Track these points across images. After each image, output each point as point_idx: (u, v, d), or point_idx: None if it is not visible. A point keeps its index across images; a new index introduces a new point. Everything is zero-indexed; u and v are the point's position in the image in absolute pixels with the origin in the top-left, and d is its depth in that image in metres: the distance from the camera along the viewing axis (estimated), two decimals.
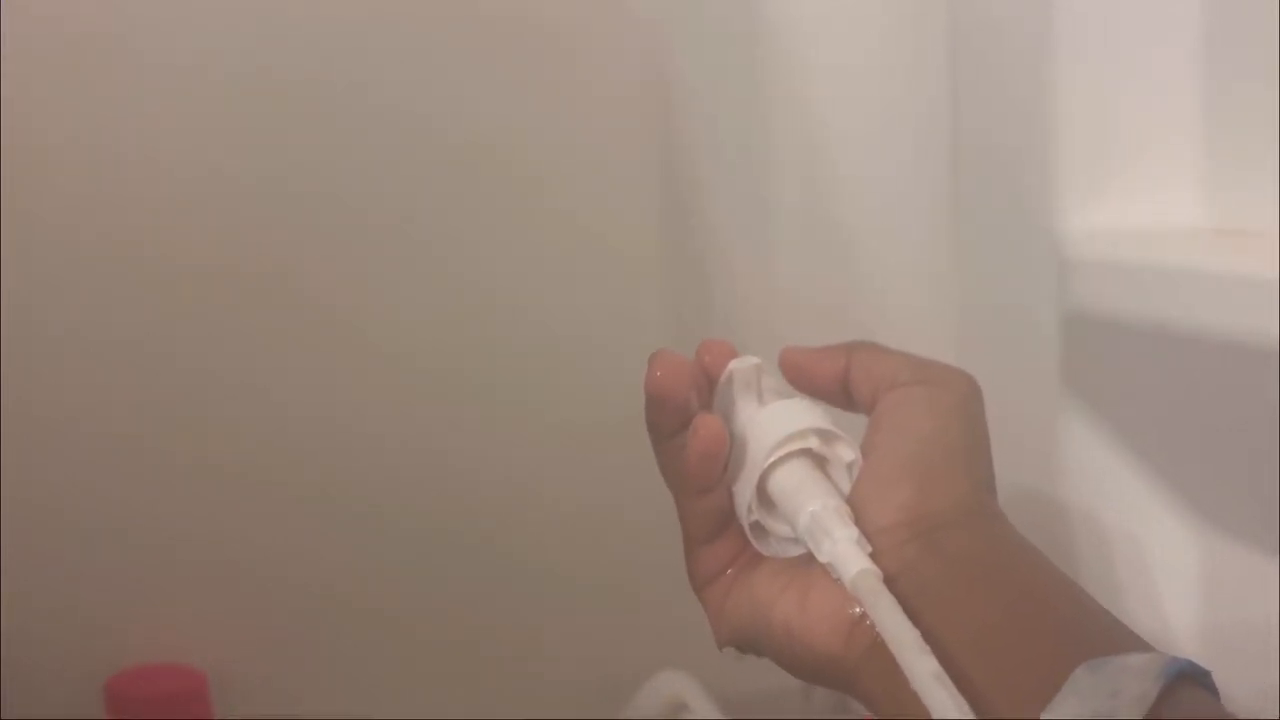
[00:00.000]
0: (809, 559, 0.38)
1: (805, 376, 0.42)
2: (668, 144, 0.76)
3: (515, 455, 0.77)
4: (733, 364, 0.40)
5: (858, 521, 0.37)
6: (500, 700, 0.78)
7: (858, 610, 0.35)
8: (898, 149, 0.72)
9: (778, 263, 0.76)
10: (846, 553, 0.36)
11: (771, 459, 0.38)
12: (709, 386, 0.41)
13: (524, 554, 0.78)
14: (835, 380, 0.41)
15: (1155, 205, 0.57)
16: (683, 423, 0.40)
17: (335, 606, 0.76)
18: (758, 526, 0.39)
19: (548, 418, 0.77)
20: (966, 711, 0.30)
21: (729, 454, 0.39)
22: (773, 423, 0.39)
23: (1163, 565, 0.56)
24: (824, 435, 0.39)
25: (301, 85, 0.71)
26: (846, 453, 0.39)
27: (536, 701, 0.78)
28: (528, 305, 0.76)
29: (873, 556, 0.36)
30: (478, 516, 0.77)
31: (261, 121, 0.71)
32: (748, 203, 0.76)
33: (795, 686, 0.80)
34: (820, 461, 0.39)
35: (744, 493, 0.39)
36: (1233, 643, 0.54)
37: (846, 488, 0.39)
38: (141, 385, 0.72)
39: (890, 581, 0.35)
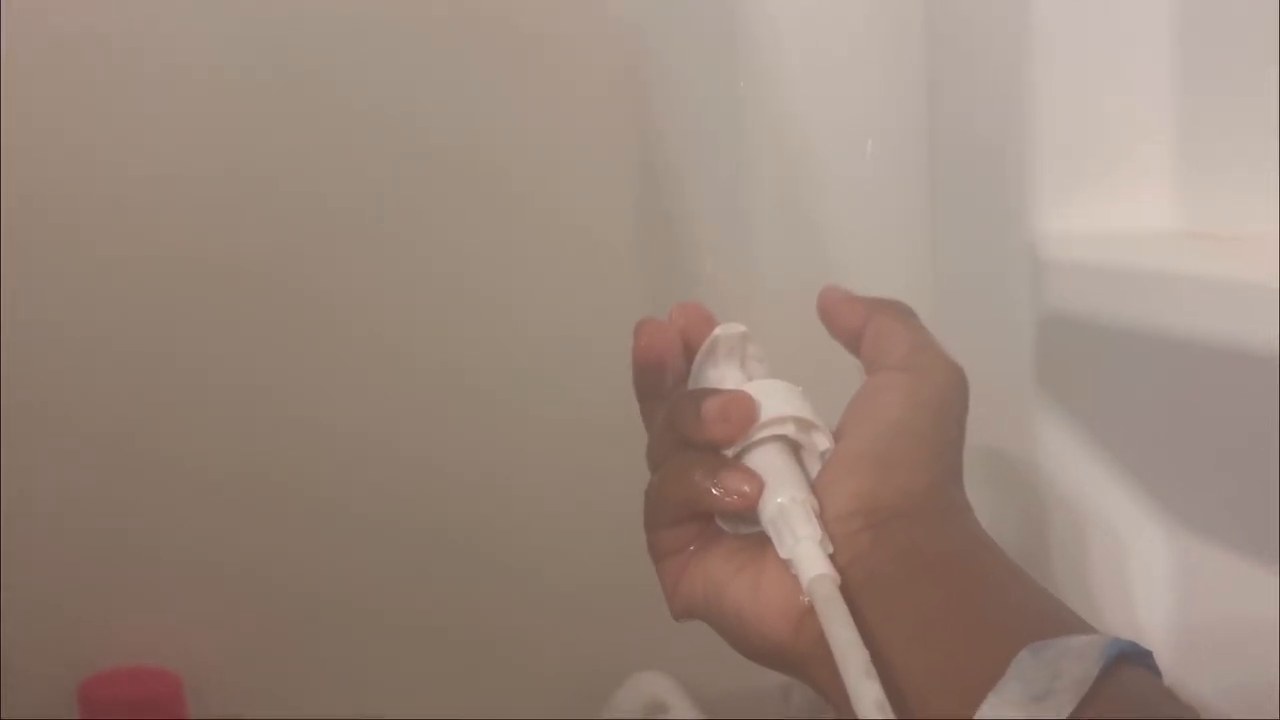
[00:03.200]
0: (765, 540, 0.38)
1: (830, 320, 0.42)
2: (647, 141, 0.76)
3: (495, 455, 0.77)
4: (719, 330, 0.41)
5: (819, 506, 0.37)
6: (480, 700, 0.78)
7: (808, 600, 0.36)
8: (874, 150, 0.72)
9: (755, 262, 0.76)
10: (807, 553, 0.36)
11: (747, 441, 0.38)
12: (686, 350, 0.41)
13: (504, 554, 0.77)
14: (851, 335, 0.41)
15: (1130, 208, 0.57)
16: (670, 388, 0.40)
17: (311, 609, 0.76)
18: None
19: (530, 417, 0.77)
20: None
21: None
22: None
23: (1138, 565, 0.57)
24: (802, 423, 0.39)
25: (289, 86, 0.70)
26: (822, 441, 0.39)
27: (517, 701, 0.78)
28: (510, 305, 0.76)
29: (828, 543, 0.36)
30: (458, 517, 0.77)
31: (251, 121, 0.71)
32: (726, 202, 0.76)
33: (774, 687, 0.80)
34: (795, 447, 0.39)
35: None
36: (1207, 643, 0.55)
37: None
38: (124, 389, 0.71)
39: (842, 570, 0.35)
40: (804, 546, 0.36)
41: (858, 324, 0.41)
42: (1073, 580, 0.59)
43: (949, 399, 0.39)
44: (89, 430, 0.71)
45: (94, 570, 0.72)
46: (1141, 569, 0.56)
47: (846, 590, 0.35)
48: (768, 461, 0.38)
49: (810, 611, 0.35)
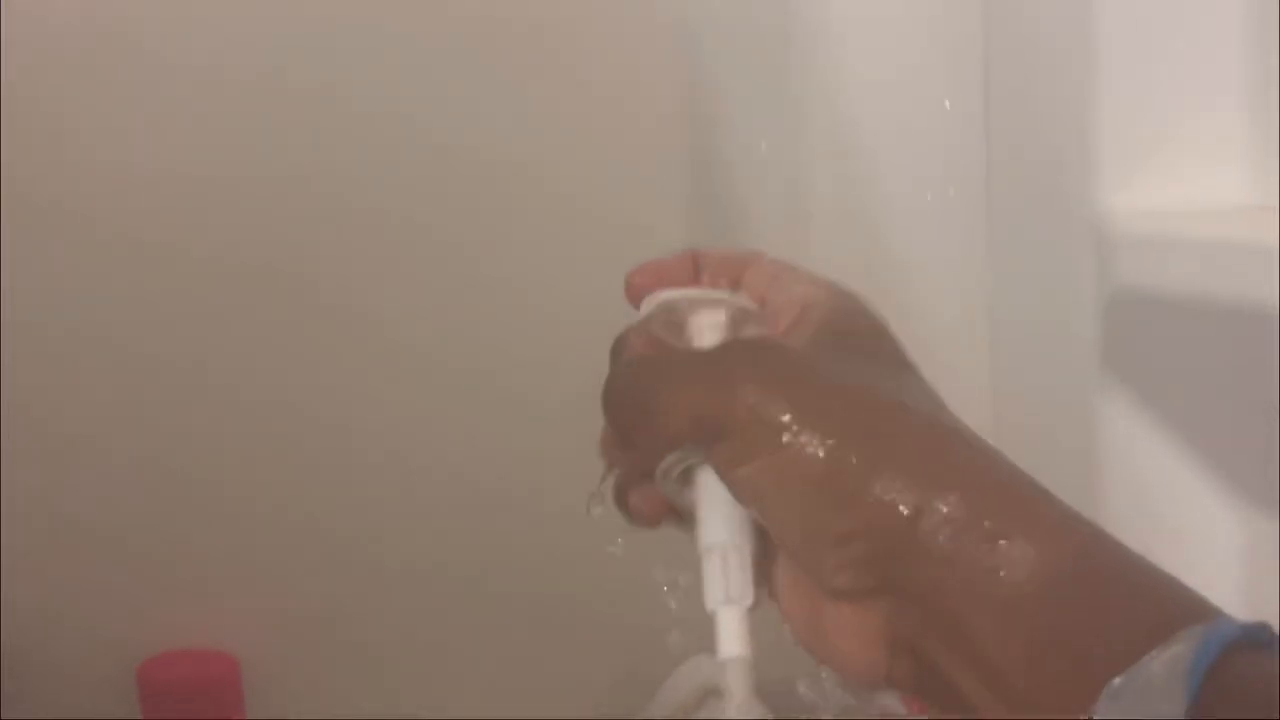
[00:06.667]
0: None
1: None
2: (699, 142, 0.75)
3: (533, 448, 0.76)
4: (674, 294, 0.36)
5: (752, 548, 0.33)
6: (532, 688, 0.78)
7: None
8: (932, 128, 0.72)
9: (810, 244, 0.75)
10: (726, 625, 0.33)
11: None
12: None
13: (550, 546, 0.77)
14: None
15: (1196, 183, 0.56)
16: None
17: (363, 599, 0.76)
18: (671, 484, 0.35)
19: (569, 410, 0.77)
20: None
21: None
22: None
23: (1206, 547, 0.56)
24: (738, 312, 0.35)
25: (312, 92, 0.70)
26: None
27: (572, 686, 0.78)
28: (545, 307, 0.75)
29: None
30: (501, 509, 0.77)
31: (272, 126, 0.71)
32: (779, 185, 0.75)
33: (820, 673, 0.79)
34: None
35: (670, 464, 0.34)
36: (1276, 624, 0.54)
37: None
38: (175, 379, 0.72)
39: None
40: (725, 615, 0.32)
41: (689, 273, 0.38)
42: None
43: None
44: (145, 422, 0.72)
45: (152, 558, 0.73)
46: (1210, 551, 0.55)
47: None
48: (715, 489, 0.33)
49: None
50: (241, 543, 0.74)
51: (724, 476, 0.32)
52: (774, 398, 0.31)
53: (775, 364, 0.32)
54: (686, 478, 0.34)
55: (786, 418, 0.31)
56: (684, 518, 0.35)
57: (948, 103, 0.69)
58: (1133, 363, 0.57)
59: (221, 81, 0.70)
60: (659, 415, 0.33)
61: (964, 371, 0.69)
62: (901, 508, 0.30)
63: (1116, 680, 0.27)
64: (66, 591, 0.72)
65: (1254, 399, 0.52)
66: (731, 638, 0.32)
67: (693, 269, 0.38)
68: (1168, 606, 0.30)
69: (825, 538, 0.31)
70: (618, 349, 0.37)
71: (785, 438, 0.31)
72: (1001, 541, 0.30)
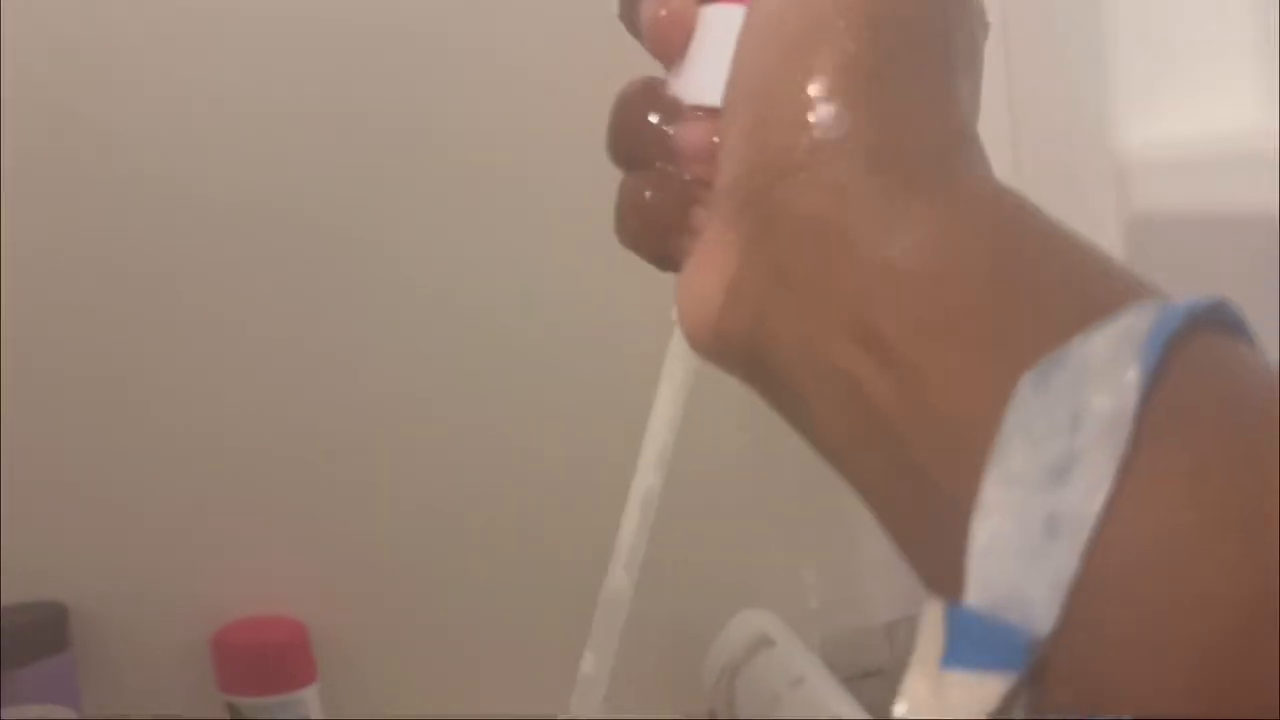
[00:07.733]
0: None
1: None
2: None
3: (579, 423, 0.77)
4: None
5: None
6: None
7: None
8: None
9: None
10: None
11: None
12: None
13: (601, 509, 0.78)
14: None
15: (1214, 112, 0.56)
16: None
17: (427, 564, 0.78)
18: None
19: (606, 380, 0.78)
20: None
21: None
22: None
23: None
24: None
25: (311, 111, 0.72)
26: None
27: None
28: (561, 291, 0.77)
29: (717, 228, 0.27)
30: (570, 477, 0.77)
31: (272, 142, 0.72)
32: None
33: (879, 627, 0.80)
34: None
35: None
36: None
37: None
38: (241, 347, 0.74)
39: (738, 281, 0.26)
40: None
41: None
42: None
43: None
44: (215, 394, 0.74)
45: (225, 528, 0.75)
46: None
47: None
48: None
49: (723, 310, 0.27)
50: (307, 510, 0.76)
51: None
52: None
53: None
54: None
55: None
56: None
57: None
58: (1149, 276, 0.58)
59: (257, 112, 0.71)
60: None
61: None
62: (786, 120, 0.25)
63: (1044, 361, 0.21)
64: (147, 566, 0.74)
65: (1259, 300, 0.52)
66: None
67: None
68: (1112, 285, 0.23)
69: (739, 126, 0.26)
70: None
71: None
72: (898, 200, 0.24)
